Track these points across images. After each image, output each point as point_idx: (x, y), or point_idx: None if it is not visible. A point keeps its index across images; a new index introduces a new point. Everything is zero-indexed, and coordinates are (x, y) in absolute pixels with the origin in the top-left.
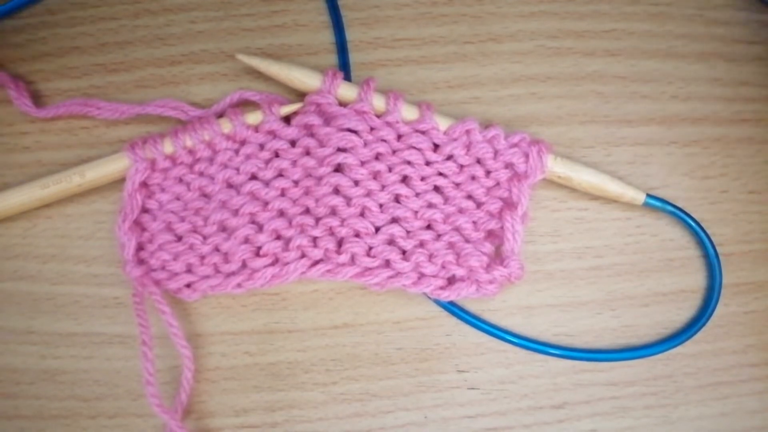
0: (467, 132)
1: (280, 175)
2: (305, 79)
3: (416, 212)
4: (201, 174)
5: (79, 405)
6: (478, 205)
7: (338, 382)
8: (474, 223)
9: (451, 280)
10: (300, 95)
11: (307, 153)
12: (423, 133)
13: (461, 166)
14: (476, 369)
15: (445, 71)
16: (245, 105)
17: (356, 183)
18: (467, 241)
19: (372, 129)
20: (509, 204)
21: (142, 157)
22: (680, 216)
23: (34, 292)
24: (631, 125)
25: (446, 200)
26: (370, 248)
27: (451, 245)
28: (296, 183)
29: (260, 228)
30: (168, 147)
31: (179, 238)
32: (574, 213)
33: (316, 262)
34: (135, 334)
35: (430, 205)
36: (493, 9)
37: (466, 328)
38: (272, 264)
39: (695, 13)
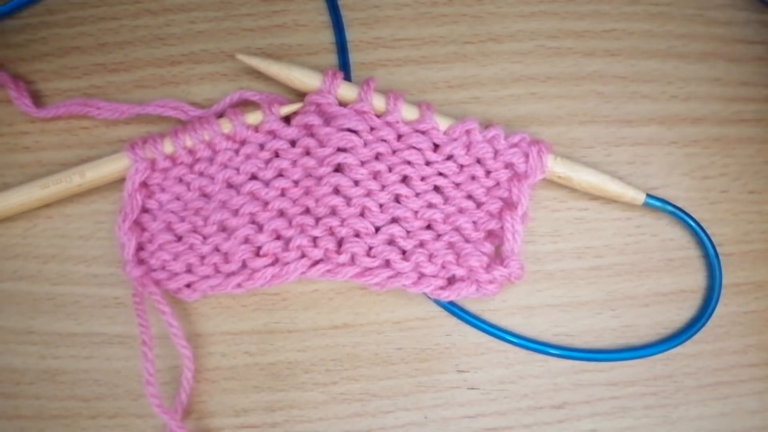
0: (467, 132)
1: (280, 175)
2: (305, 79)
3: (416, 212)
4: (201, 174)
5: (79, 405)
6: (478, 205)
7: (338, 382)
8: (474, 223)
9: (451, 280)
10: (300, 95)
11: (307, 153)
12: (423, 133)
13: (461, 166)
14: (476, 369)
15: (445, 71)
16: (245, 105)
17: (356, 183)
18: (467, 241)
19: (372, 129)
20: (509, 204)
21: (142, 157)
22: (680, 216)
23: (34, 292)
24: (631, 125)
25: (446, 200)
26: (370, 248)
27: (451, 245)
28: (296, 183)
29: (260, 228)
30: (168, 147)
31: (179, 238)
32: (574, 213)
33: (316, 262)
34: (135, 334)
35: (430, 205)
36: (493, 9)
37: (466, 328)
38: (272, 264)
39: (695, 13)
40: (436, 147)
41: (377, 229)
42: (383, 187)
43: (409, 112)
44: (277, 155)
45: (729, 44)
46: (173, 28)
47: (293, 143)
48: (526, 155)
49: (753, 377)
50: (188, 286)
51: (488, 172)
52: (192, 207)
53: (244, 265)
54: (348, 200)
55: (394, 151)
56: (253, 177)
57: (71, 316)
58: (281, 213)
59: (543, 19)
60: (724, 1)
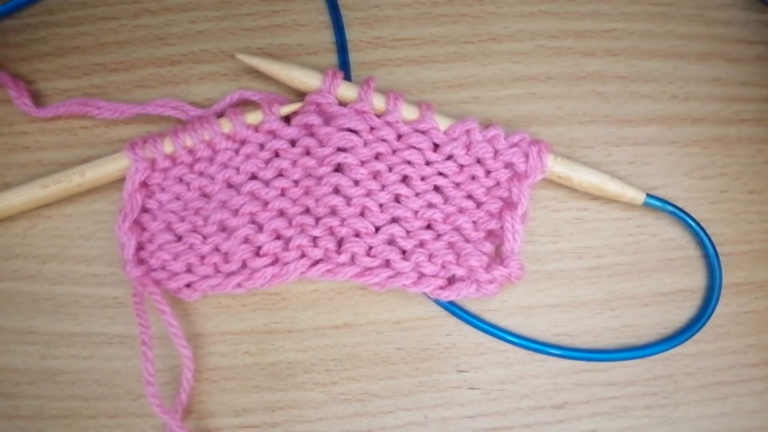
0: (467, 132)
1: (280, 174)
2: (305, 78)
3: (416, 212)
4: (201, 174)
5: (79, 405)
6: (478, 204)
7: (338, 382)
8: (474, 222)
9: (451, 280)
10: (300, 95)
11: (307, 153)
12: (423, 132)
13: (461, 166)
14: (476, 369)
15: (445, 71)
16: (245, 105)
17: (356, 183)
18: (467, 240)
19: (372, 129)
20: (509, 204)
21: (142, 157)
22: (680, 216)
23: (34, 292)
24: (631, 125)
25: (446, 200)
26: (370, 248)
27: (451, 245)
28: (296, 183)
29: (260, 228)
30: (168, 147)
31: (179, 238)
32: (574, 213)
33: (316, 262)
34: (135, 334)
35: (430, 205)
36: (493, 9)
37: (466, 328)
38: (272, 264)
39: (695, 13)
40: (436, 147)
41: (377, 229)
42: (383, 187)
43: (409, 112)
44: (277, 155)
45: (729, 44)
46: (173, 27)
47: (293, 143)
48: (526, 155)
49: (753, 377)
50: (188, 285)
51: (488, 172)
52: (192, 207)
53: (244, 265)
54: (348, 200)
55: (394, 151)
56: (253, 177)
57: (71, 316)
58: (281, 213)
59: (543, 19)
60: (724, 1)
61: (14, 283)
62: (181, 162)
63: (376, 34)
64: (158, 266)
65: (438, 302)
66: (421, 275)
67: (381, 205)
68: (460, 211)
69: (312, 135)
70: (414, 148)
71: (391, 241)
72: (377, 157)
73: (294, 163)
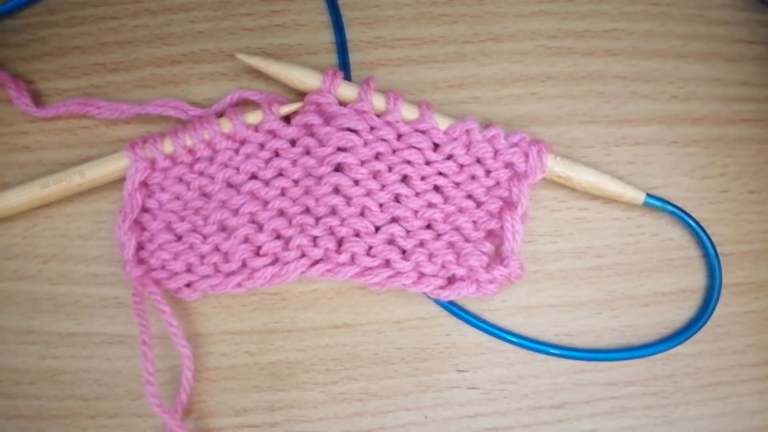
0: (467, 132)
1: (280, 174)
2: (305, 78)
3: (416, 212)
4: (201, 173)
5: (79, 405)
6: (478, 204)
7: (338, 381)
8: (474, 222)
9: (451, 280)
10: (300, 95)
11: (307, 152)
12: (423, 132)
13: (461, 166)
14: (476, 369)
15: (445, 71)
16: (245, 104)
17: (356, 182)
18: (467, 240)
19: (372, 128)
20: (509, 204)
21: (142, 157)
22: (680, 216)
23: (34, 292)
24: (631, 125)
25: (446, 200)
26: (370, 248)
27: (451, 245)
28: (296, 182)
29: (260, 227)
30: (168, 146)
31: (179, 238)
32: (574, 213)
33: (316, 262)
34: (135, 334)
35: (430, 205)
36: (493, 9)
37: (466, 328)
38: (272, 263)
39: (695, 13)
40: (436, 146)
41: (377, 229)
42: (383, 187)
43: (409, 112)
44: (277, 155)
45: (729, 44)
46: (173, 27)
47: (293, 143)
48: (526, 155)
49: (753, 377)
50: (188, 285)
51: (488, 172)
52: (192, 206)
53: (244, 265)
54: (348, 200)
55: (394, 151)
56: (253, 176)
57: (71, 316)
58: (281, 212)
59: (543, 19)
60: (724, 1)
61: (14, 283)
62: (181, 162)
63: (376, 34)
64: (158, 266)
65: (438, 302)
66: (421, 275)
67: (381, 205)
68: (460, 210)
69: (312, 135)
70: (414, 147)
71: (391, 241)
72: (377, 156)
73: (294, 162)
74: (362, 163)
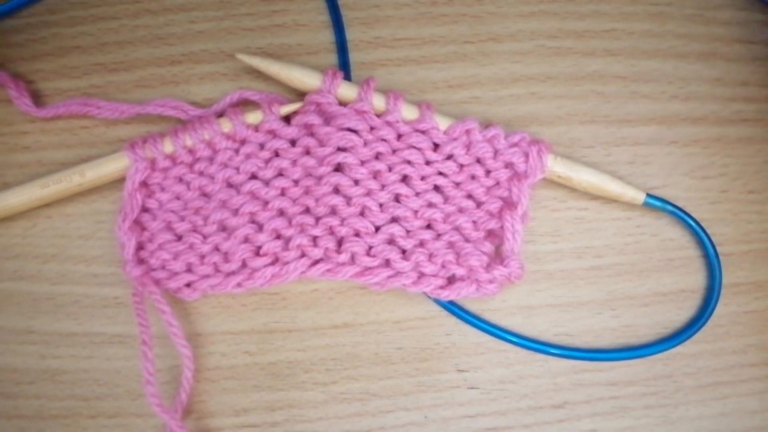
0: (467, 132)
1: (280, 174)
2: (305, 78)
3: (416, 212)
4: (201, 173)
5: (79, 405)
6: (478, 204)
7: (338, 381)
8: (474, 222)
9: (451, 280)
10: (300, 95)
11: (307, 152)
12: (423, 132)
13: (461, 166)
14: (476, 369)
15: (445, 71)
16: (245, 104)
17: (356, 182)
18: (467, 240)
19: (372, 128)
20: (509, 204)
21: (142, 157)
22: (680, 216)
23: (34, 292)
24: (631, 125)
25: (446, 200)
26: (370, 248)
27: (451, 245)
28: (296, 182)
29: (260, 227)
30: (168, 146)
31: (179, 238)
32: (574, 213)
33: (316, 262)
34: (135, 334)
35: (430, 205)
36: (493, 9)
37: (466, 328)
38: (272, 263)
39: (695, 13)
40: (436, 146)
41: (377, 229)
42: (383, 187)
43: (409, 112)
44: (277, 155)
45: (729, 44)
46: (173, 27)
47: (293, 143)
48: (526, 155)
49: (753, 377)
50: (188, 285)
51: (488, 172)
52: (192, 206)
53: (244, 265)
54: (348, 200)
55: (394, 151)
56: (253, 176)
57: (71, 316)
58: (281, 212)
59: (543, 19)
60: (724, 1)
61: (14, 283)
62: (181, 162)
63: (376, 34)
64: (158, 266)
65: (438, 302)
66: (421, 275)
67: (381, 205)
68: (460, 210)
69: (312, 135)
70: (414, 147)
71: (391, 241)
72: (377, 156)
73: (294, 162)
74: (362, 163)
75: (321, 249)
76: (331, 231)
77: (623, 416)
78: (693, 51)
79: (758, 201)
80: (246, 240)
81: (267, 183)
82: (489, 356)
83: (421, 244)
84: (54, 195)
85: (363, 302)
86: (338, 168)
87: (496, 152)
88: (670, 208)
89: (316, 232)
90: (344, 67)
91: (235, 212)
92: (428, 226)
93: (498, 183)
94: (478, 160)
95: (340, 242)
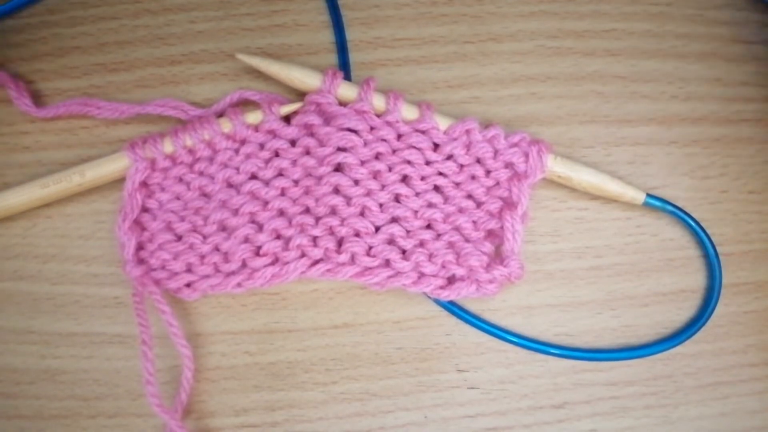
0: (467, 132)
1: (280, 174)
2: (305, 78)
3: (416, 212)
4: (201, 173)
5: (79, 405)
6: (478, 204)
7: (338, 381)
8: (474, 222)
9: (451, 280)
10: (300, 95)
11: (307, 152)
12: (423, 132)
13: (461, 166)
14: (476, 369)
15: (445, 71)
16: (245, 104)
17: (356, 182)
18: (467, 240)
19: (372, 128)
20: (509, 204)
21: (142, 157)
22: (680, 216)
23: (34, 292)
24: (631, 125)
25: (446, 200)
26: (370, 248)
27: (451, 245)
28: (296, 182)
29: (260, 227)
30: (168, 146)
31: (179, 238)
32: (574, 213)
33: (316, 262)
34: (135, 334)
35: (430, 205)
36: (493, 9)
37: (466, 328)
38: (272, 263)
39: (695, 13)
40: (436, 146)
41: (377, 229)
42: (383, 187)
43: (409, 112)
44: (277, 155)
45: (729, 44)
46: (173, 27)
47: (293, 143)
48: (526, 155)
49: (753, 377)
50: (188, 285)
51: (488, 172)
52: (192, 206)
53: (244, 265)
54: (348, 200)
55: (394, 151)
56: (253, 176)
57: (71, 316)
58: (281, 212)
59: (543, 19)
60: (724, 1)
61: (14, 283)
62: (181, 162)
63: (376, 34)
64: (158, 266)
65: (438, 302)
66: (421, 275)
67: (381, 205)
68: (460, 210)
69: (312, 135)
70: (414, 147)
71: (391, 241)
72: (377, 156)
73: (294, 162)
74: (362, 163)
75: (321, 249)
76: (331, 231)
77: (623, 416)
78: (693, 51)
79: (758, 201)
80: (246, 240)
81: (267, 183)
82: (489, 356)
83: (421, 244)
84: (54, 195)
85: (363, 302)
86: (338, 168)
87: (496, 152)
88: (670, 208)
89: (316, 232)
90: (344, 67)
91: (235, 212)
92: (428, 226)
93: (498, 183)
94: (478, 160)
95: (340, 242)
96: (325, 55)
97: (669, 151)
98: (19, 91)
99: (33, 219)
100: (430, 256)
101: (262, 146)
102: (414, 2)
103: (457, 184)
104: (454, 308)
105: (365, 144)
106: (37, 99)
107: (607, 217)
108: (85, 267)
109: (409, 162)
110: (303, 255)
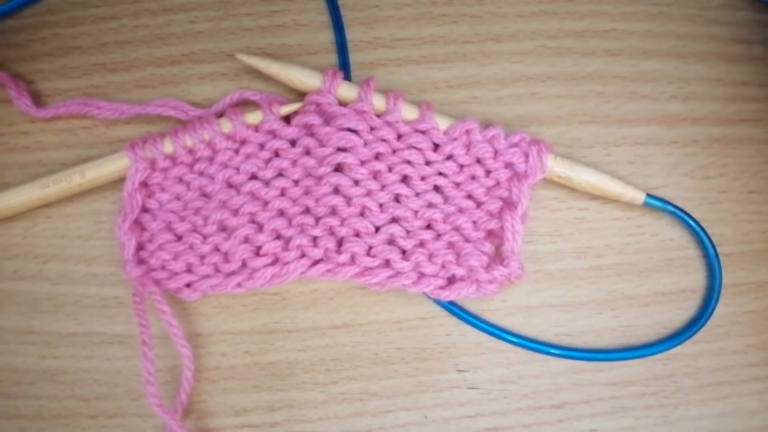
0: (467, 132)
1: (280, 174)
2: (305, 78)
3: (416, 212)
4: (201, 173)
5: (79, 405)
6: (478, 204)
7: (338, 381)
8: (474, 222)
9: (451, 280)
10: (300, 95)
11: (307, 152)
12: (423, 132)
13: (461, 166)
14: (476, 369)
15: (445, 71)
16: (245, 105)
17: (356, 183)
18: (467, 240)
19: (372, 129)
20: (509, 204)
21: (142, 157)
22: (680, 216)
23: (34, 292)
24: (631, 125)
25: (446, 200)
26: (370, 248)
27: (451, 245)
28: (296, 182)
29: (260, 228)
30: (168, 146)
31: (179, 238)
32: (574, 213)
33: (316, 262)
34: (135, 334)
35: (430, 205)
36: (493, 9)
37: (466, 328)
38: (272, 263)
39: (695, 13)
40: (436, 147)
41: (377, 229)
42: (383, 187)
43: (409, 112)
44: (277, 155)
45: (729, 44)
46: (173, 27)
47: (293, 143)
48: (526, 155)
49: (753, 377)
50: (188, 285)
51: (488, 172)
52: (192, 206)
53: (244, 265)
54: (348, 200)
55: (394, 151)
56: (253, 176)
57: (71, 316)
58: (281, 213)
59: (543, 19)
60: (724, 1)
61: (14, 283)
62: (181, 162)
63: (376, 34)
64: (158, 266)
65: (438, 302)
66: (421, 275)
67: (381, 205)
68: (460, 210)
69: (312, 135)
70: (414, 148)
71: (391, 241)
72: (377, 157)
73: (294, 163)
74: (362, 163)
75: (321, 249)
76: (331, 231)
77: (623, 416)
78: (693, 51)
79: (758, 201)
80: (246, 240)
81: (267, 183)
82: (489, 356)
83: (421, 244)
84: (54, 195)
85: (363, 302)
86: (338, 168)
87: (496, 152)
88: (670, 208)
89: (316, 232)
90: (344, 67)
91: (235, 212)
92: (428, 227)
93: (498, 183)
94: (478, 161)
95: (340, 242)
96: (325, 55)
97: (669, 151)
98: (19, 91)
99: (33, 219)
100: (430, 256)
101: (262, 146)
102: (414, 2)
103: (457, 184)
104: (454, 308)
105: (365, 144)
106: (37, 99)
107: (607, 217)
108: (85, 267)
109: (409, 162)
110: (303, 255)
